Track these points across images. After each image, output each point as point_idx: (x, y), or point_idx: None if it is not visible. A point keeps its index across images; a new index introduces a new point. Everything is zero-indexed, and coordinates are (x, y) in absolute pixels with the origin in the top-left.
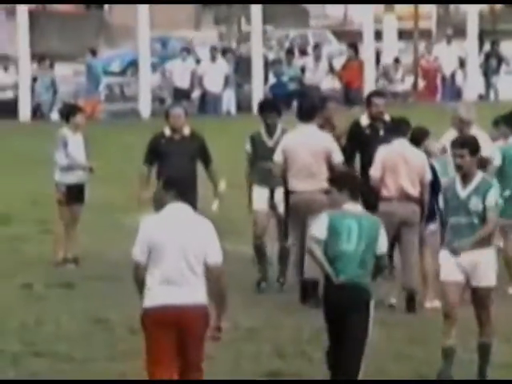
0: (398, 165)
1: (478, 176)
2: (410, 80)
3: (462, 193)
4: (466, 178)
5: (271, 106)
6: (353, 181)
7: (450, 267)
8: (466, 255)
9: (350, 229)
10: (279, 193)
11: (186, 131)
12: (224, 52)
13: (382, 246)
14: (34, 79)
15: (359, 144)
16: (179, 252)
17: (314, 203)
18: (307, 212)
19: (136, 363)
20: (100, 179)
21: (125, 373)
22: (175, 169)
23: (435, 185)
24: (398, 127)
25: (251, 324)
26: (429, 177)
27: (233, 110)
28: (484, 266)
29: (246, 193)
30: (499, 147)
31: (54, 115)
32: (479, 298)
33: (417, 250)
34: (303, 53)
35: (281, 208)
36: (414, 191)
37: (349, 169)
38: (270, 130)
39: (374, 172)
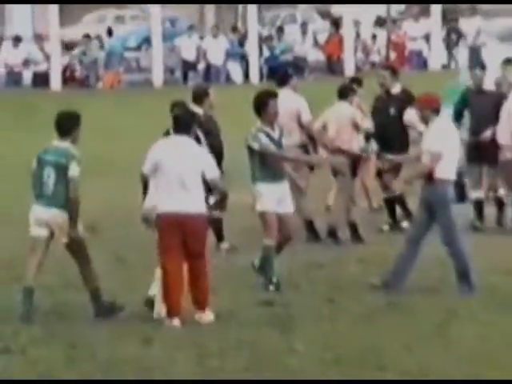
0: None
1: None
2: (384, 52)
3: None
4: None
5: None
6: None
7: None
8: None
9: None
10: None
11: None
12: (233, 30)
13: None
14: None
15: None
16: (179, 168)
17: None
18: None
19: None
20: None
21: None
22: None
23: None
24: None
25: (247, 262)
26: None
27: (239, 79)
28: None
29: None
30: None
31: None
32: None
33: None
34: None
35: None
36: None
37: None
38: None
39: None
